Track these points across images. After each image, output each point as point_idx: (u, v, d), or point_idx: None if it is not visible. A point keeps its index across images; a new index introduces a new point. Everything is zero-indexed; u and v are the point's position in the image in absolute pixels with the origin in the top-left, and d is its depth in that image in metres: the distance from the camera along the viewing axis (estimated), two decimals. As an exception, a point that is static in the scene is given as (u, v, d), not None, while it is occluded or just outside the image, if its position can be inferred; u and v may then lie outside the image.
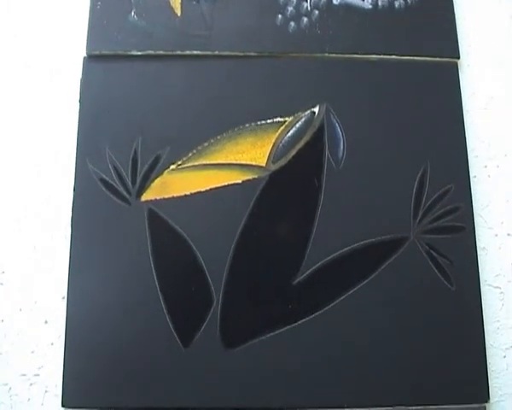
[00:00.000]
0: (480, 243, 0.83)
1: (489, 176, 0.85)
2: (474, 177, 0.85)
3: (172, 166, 0.83)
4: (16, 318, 0.82)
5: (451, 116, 0.86)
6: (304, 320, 0.80)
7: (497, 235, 0.84)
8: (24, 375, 0.81)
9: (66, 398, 0.79)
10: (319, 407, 0.79)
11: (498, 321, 0.82)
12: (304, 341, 0.80)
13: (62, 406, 0.79)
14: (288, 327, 0.80)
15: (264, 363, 0.79)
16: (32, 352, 0.81)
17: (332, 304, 0.80)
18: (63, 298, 0.81)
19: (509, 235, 0.84)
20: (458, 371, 0.80)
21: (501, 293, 0.83)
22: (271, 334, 0.80)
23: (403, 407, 0.79)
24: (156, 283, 0.81)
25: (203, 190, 0.83)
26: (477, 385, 0.80)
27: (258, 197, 0.82)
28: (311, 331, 0.80)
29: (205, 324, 0.80)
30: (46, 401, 0.80)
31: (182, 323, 0.80)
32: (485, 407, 0.79)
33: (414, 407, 0.79)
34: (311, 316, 0.80)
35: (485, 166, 0.85)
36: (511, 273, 0.83)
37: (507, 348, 0.82)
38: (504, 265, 0.83)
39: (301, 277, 0.81)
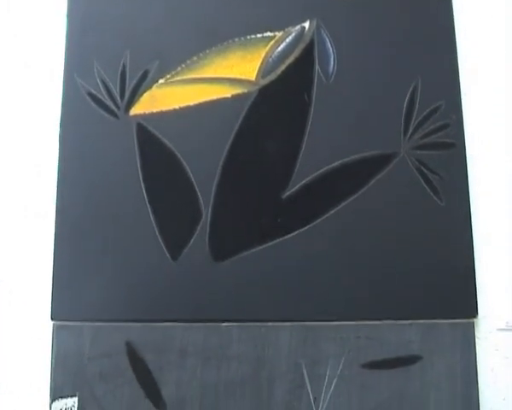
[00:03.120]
0: (470, 160, 0.82)
1: (480, 93, 0.84)
2: (465, 94, 0.84)
3: (161, 81, 0.83)
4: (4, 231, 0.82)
5: (443, 32, 0.85)
6: (293, 234, 0.80)
7: (487, 151, 0.83)
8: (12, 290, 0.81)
9: (54, 311, 0.79)
10: (308, 321, 0.79)
11: (488, 237, 0.82)
12: (292, 254, 0.80)
13: (51, 319, 0.79)
14: (277, 241, 0.80)
15: (253, 276, 0.79)
16: (22, 265, 0.81)
17: (321, 218, 0.80)
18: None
19: (499, 151, 0.83)
20: (447, 287, 0.80)
21: (490, 210, 0.82)
22: (260, 247, 0.80)
23: (391, 321, 0.79)
24: (145, 196, 0.80)
25: (192, 104, 0.82)
26: (465, 301, 0.80)
27: (248, 111, 0.82)
28: (299, 245, 0.80)
29: (194, 237, 0.80)
30: (35, 314, 0.80)
31: (171, 236, 0.80)
32: (473, 323, 0.79)
33: (402, 322, 0.79)
34: (300, 230, 0.80)
35: (476, 83, 0.84)
36: (502, 190, 0.83)
37: (495, 264, 0.81)
38: (495, 181, 0.83)
39: (290, 191, 0.81)
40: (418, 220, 0.81)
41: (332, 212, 0.80)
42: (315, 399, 0.78)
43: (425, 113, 0.83)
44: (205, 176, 0.81)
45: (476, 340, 0.79)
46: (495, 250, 0.82)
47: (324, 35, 0.84)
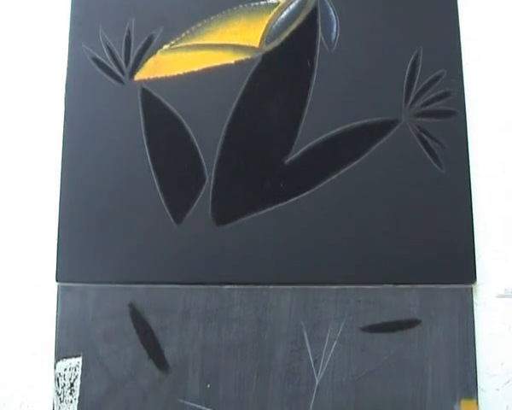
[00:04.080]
0: (470, 129, 0.83)
1: (482, 62, 0.85)
2: (467, 64, 0.85)
3: (165, 46, 0.83)
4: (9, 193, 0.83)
5: (445, 1, 0.85)
6: (295, 199, 0.81)
7: (488, 121, 0.84)
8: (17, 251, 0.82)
9: (59, 273, 0.80)
10: (308, 284, 0.80)
11: (487, 204, 0.82)
12: (294, 219, 0.81)
13: (56, 281, 0.80)
14: (279, 205, 0.81)
15: (255, 240, 0.80)
16: (27, 227, 0.82)
17: (323, 183, 0.81)
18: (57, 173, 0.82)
19: (500, 119, 0.84)
20: (446, 253, 0.81)
21: (490, 178, 0.83)
22: (262, 212, 0.81)
23: (391, 286, 0.80)
24: (149, 160, 0.82)
25: (196, 70, 0.83)
26: (464, 267, 0.81)
27: (251, 78, 0.83)
28: (301, 210, 0.81)
29: (197, 201, 0.81)
30: (40, 276, 0.82)
31: (174, 200, 0.81)
32: (471, 288, 0.80)
33: (402, 286, 0.80)
34: (302, 195, 0.81)
35: (478, 53, 0.85)
36: (502, 158, 0.83)
37: (495, 232, 0.82)
38: (495, 150, 0.83)
39: (293, 156, 0.82)
40: (418, 187, 0.82)
41: (333, 177, 0.81)
42: (315, 361, 0.79)
43: (426, 81, 0.83)
44: (208, 141, 0.82)
45: (474, 306, 0.80)
46: (494, 217, 0.82)
47: (327, 3, 0.84)
